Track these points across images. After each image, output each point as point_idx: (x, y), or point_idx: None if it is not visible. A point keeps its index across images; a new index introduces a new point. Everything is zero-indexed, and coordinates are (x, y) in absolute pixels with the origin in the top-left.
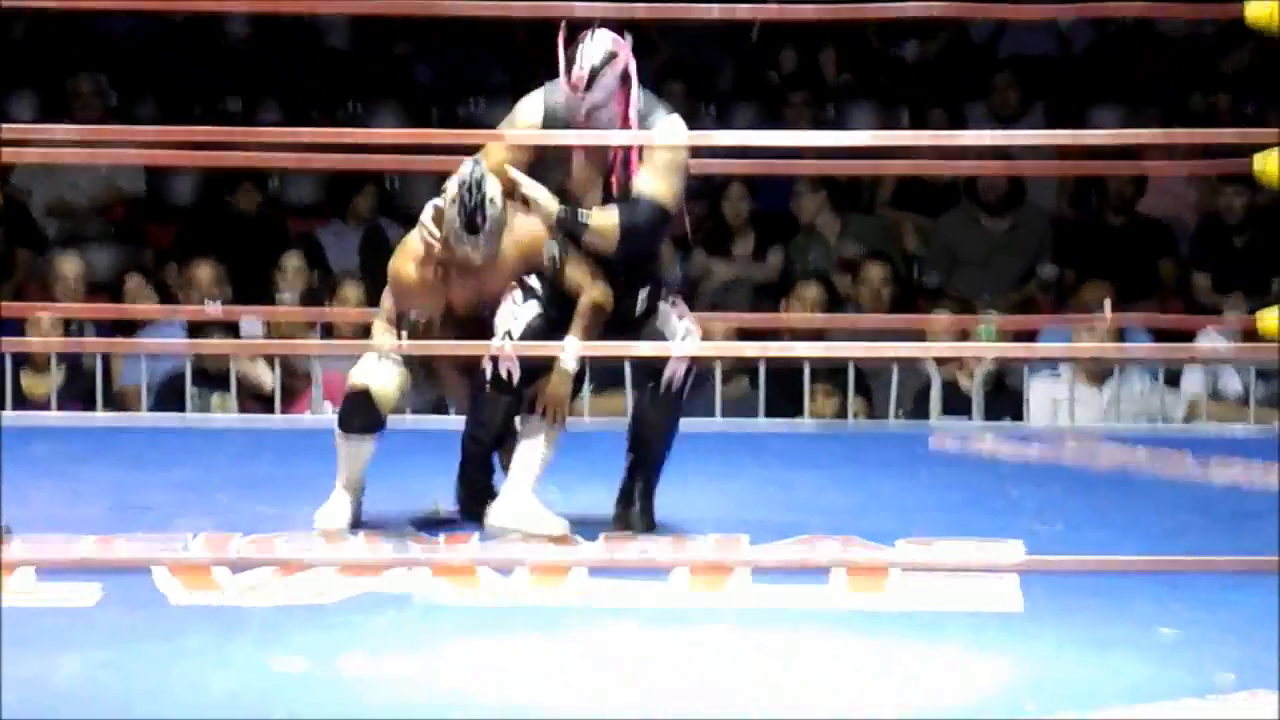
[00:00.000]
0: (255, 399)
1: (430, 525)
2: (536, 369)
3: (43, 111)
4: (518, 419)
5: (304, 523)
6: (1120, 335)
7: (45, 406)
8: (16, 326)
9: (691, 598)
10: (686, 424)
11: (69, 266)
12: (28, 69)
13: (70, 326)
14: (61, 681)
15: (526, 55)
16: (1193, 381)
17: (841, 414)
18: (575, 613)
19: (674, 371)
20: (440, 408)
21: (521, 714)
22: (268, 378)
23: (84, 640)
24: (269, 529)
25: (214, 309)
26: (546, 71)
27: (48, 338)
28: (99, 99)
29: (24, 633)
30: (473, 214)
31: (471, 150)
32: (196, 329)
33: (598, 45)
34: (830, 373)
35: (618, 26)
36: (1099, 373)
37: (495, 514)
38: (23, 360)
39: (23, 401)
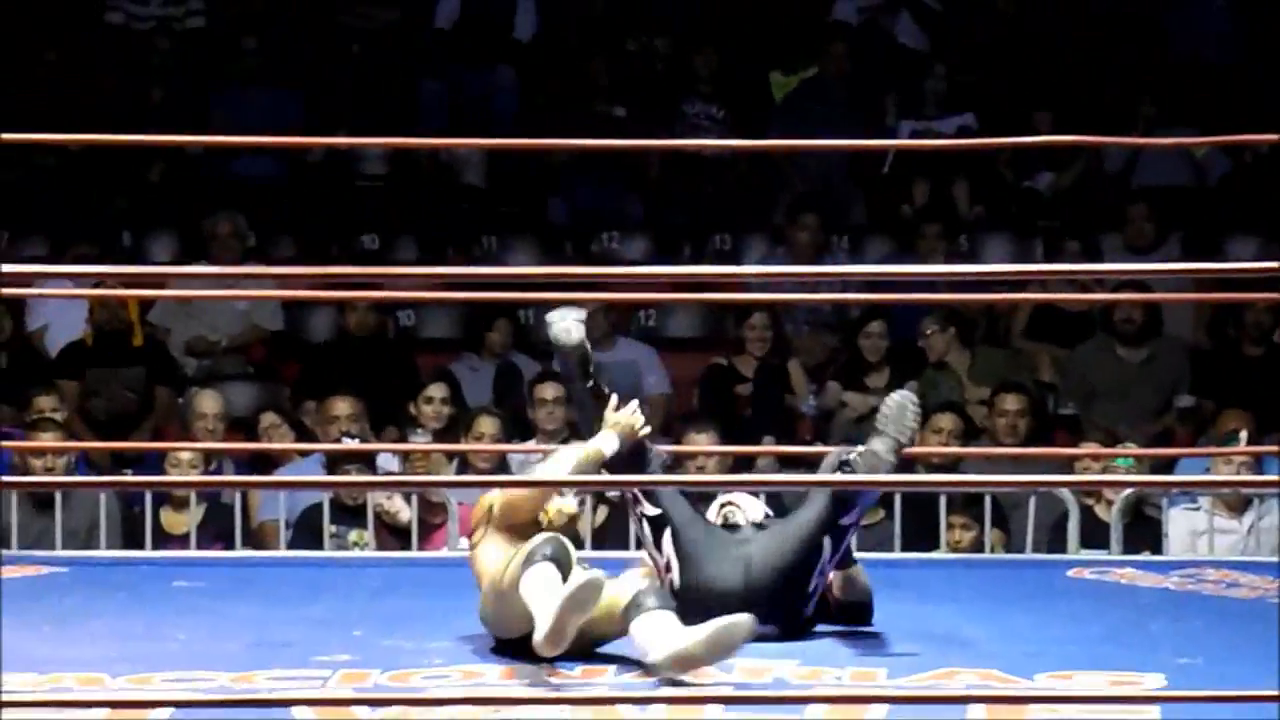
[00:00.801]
0: (392, 533)
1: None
2: None
3: (182, 251)
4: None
5: (442, 657)
6: (1259, 465)
7: (185, 543)
8: (157, 463)
9: None
10: None
11: (207, 403)
12: (166, 210)
13: (210, 463)
14: None
15: (660, 190)
16: None
17: (978, 546)
18: None
19: None
20: None
21: None
22: (405, 512)
23: None
24: (407, 664)
25: (352, 443)
26: (680, 206)
27: (187, 475)
28: (237, 239)
29: None
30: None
31: (604, 286)
32: (334, 464)
33: None
34: (967, 504)
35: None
36: (1238, 503)
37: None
38: (163, 498)
39: (163, 538)
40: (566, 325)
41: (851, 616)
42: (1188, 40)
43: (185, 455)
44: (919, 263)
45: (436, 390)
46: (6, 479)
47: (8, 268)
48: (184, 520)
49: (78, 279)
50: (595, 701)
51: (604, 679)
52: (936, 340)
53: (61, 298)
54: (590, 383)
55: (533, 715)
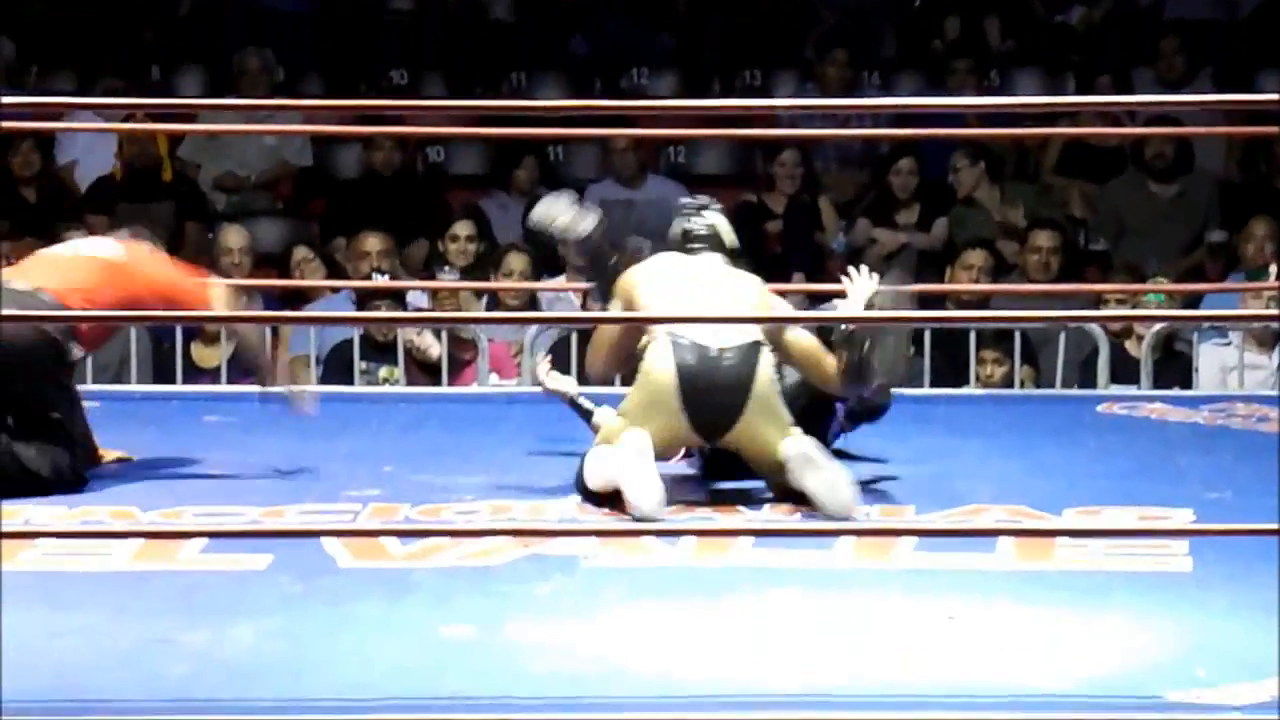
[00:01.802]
0: (423, 369)
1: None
2: None
3: (210, 87)
4: None
5: (471, 491)
6: None
7: (216, 377)
8: None
9: (856, 565)
10: None
11: (233, 238)
12: (195, 45)
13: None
14: (231, 650)
15: (688, 25)
16: None
17: (1008, 382)
18: (739, 579)
19: None
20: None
21: (685, 679)
22: (435, 348)
23: (255, 607)
24: (437, 499)
25: (382, 280)
26: (708, 41)
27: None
28: (266, 74)
29: (195, 599)
30: None
31: (633, 121)
32: (364, 300)
33: None
34: (997, 340)
35: None
36: (1268, 338)
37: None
38: (193, 332)
39: (194, 373)
40: (568, 216)
41: (867, 416)
42: None
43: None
44: (949, 98)
45: (462, 228)
46: (38, 314)
47: (38, 101)
48: (215, 355)
49: (107, 113)
50: (624, 534)
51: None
52: (965, 175)
53: (91, 131)
54: (614, 259)
55: (561, 548)
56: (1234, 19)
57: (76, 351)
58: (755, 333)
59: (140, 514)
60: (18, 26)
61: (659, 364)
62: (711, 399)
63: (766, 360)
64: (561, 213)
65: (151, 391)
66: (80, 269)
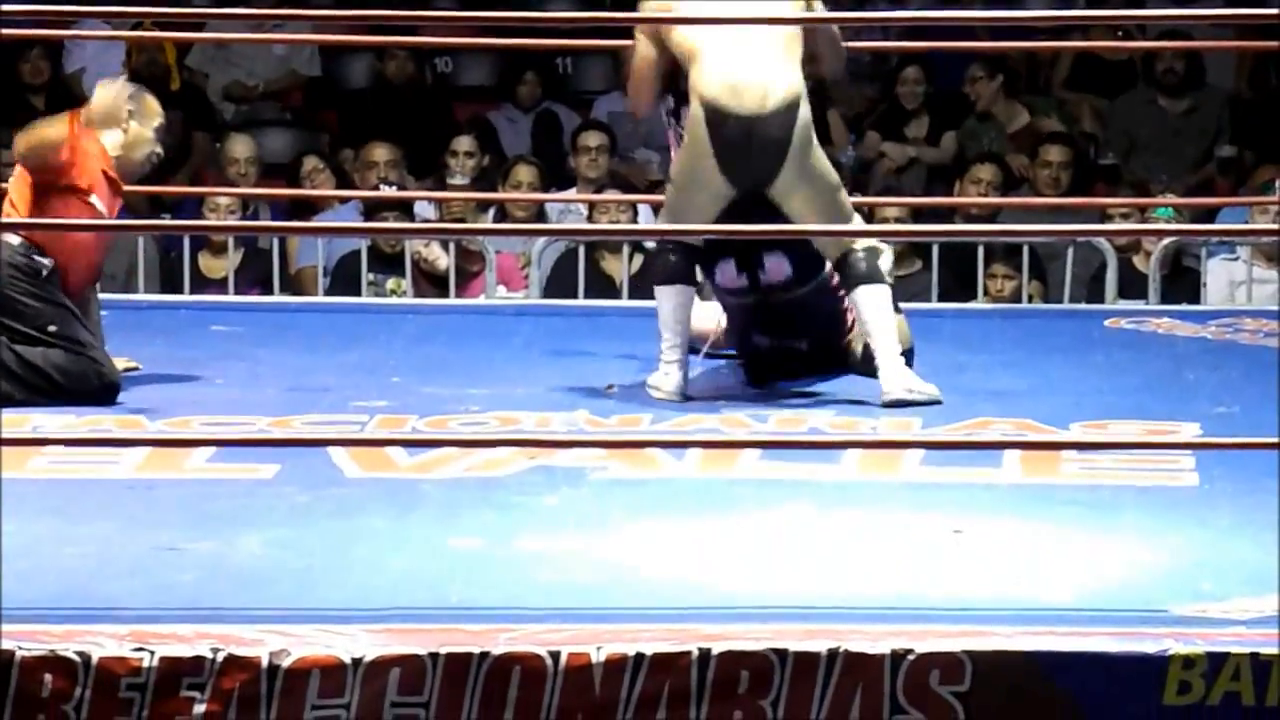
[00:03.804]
0: (430, 280)
1: (604, 407)
2: None
3: None
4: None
5: (479, 403)
6: None
7: (223, 287)
8: (195, 208)
9: (862, 478)
10: None
11: (239, 148)
12: None
13: (247, 209)
14: (239, 558)
15: None
16: None
17: (1016, 297)
18: (746, 491)
19: None
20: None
21: (692, 590)
22: (443, 260)
23: (262, 517)
24: (445, 410)
25: (389, 191)
26: None
27: (225, 220)
28: None
29: (202, 508)
30: None
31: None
32: (372, 211)
33: None
34: (1006, 255)
35: None
36: (1276, 253)
37: (891, 387)
38: (201, 242)
39: (201, 282)
40: None
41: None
42: None
43: (223, 200)
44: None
45: (465, 143)
46: (45, 221)
47: (46, 9)
48: (222, 265)
49: (115, 21)
50: (632, 445)
51: (640, 427)
52: (982, 87)
53: (99, 39)
54: None
55: (569, 459)
56: None
57: (44, 263)
58: (790, 90)
59: (148, 423)
60: None
61: (697, 130)
62: (749, 160)
63: (804, 117)
64: None
65: (159, 301)
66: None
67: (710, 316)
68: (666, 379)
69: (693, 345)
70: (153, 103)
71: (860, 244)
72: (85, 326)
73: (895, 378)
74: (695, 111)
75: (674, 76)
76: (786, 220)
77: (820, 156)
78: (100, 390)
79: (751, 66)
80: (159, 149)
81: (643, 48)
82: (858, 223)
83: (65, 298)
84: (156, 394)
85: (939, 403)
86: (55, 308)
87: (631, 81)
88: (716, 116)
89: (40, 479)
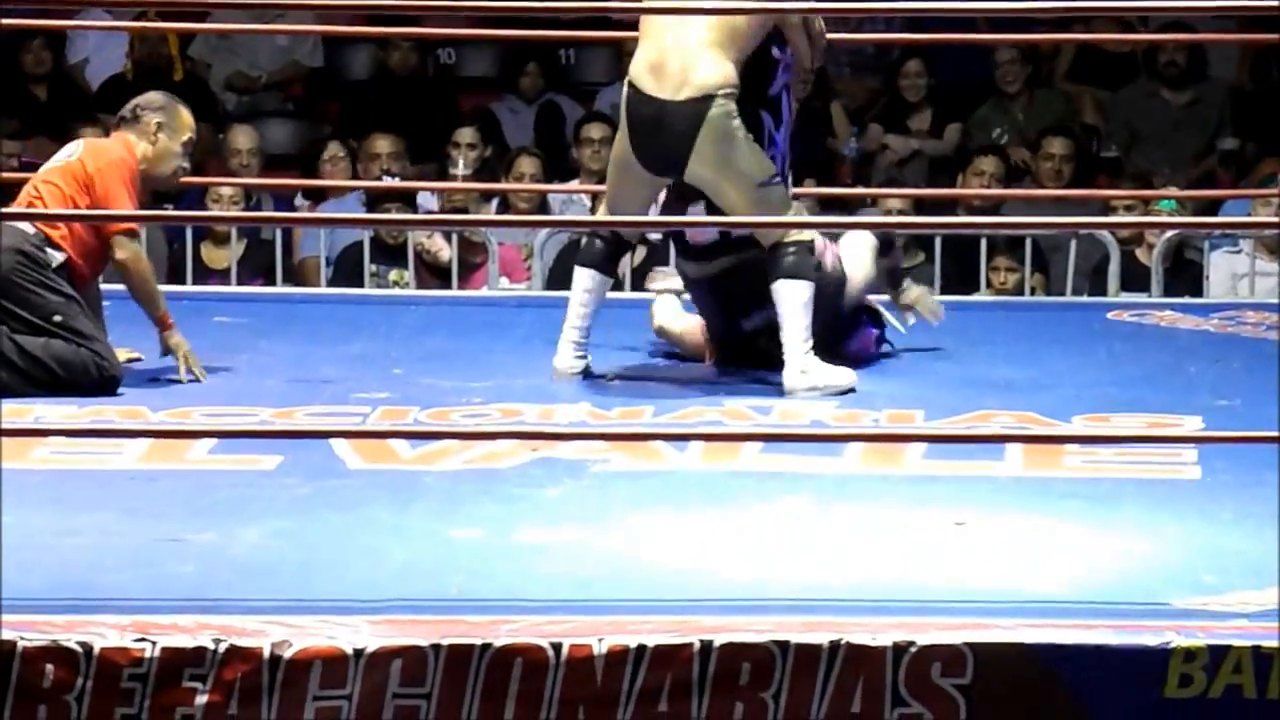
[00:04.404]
0: (433, 272)
1: (606, 399)
2: None
3: None
4: None
5: (481, 395)
6: None
7: (226, 278)
8: (198, 199)
9: (864, 470)
10: None
11: (241, 139)
12: None
13: (250, 199)
14: (240, 550)
15: None
16: None
17: (1019, 289)
18: (748, 483)
19: None
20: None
21: (694, 582)
22: (445, 251)
23: (263, 508)
24: (446, 402)
25: (392, 182)
26: None
27: (228, 211)
28: None
29: (203, 499)
30: None
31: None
32: (374, 202)
33: None
34: (1008, 247)
35: None
36: (1278, 246)
37: (790, 380)
38: (204, 233)
39: (204, 273)
40: None
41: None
42: None
43: (226, 191)
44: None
45: (467, 134)
46: (48, 211)
47: None
48: (225, 255)
49: (118, 11)
50: (633, 437)
51: (642, 420)
52: (1009, 71)
53: (102, 29)
54: None
55: (571, 451)
56: None
57: (56, 256)
58: (708, 82)
59: (150, 413)
60: None
61: (621, 109)
62: (656, 146)
63: (722, 110)
64: None
65: (162, 292)
66: (52, 176)
67: (700, 328)
68: (558, 357)
69: (695, 358)
70: (185, 116)
71: (792, 237)
72: (90, 319)
73: (796, 373)
74: (624, 90)
75: None
76: None
77: (745, 153)
78: (100, 383)
79: (676, 53)
80: (186, 163)
81: None
82: (798, 213)
83: (74, 290)
84: (159, 384)
85: (852, 390)
86: (62, 299)
87: None
88: (634, 97)
89: (42, 469)
